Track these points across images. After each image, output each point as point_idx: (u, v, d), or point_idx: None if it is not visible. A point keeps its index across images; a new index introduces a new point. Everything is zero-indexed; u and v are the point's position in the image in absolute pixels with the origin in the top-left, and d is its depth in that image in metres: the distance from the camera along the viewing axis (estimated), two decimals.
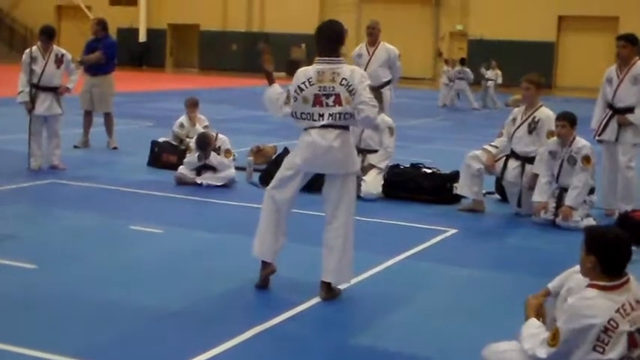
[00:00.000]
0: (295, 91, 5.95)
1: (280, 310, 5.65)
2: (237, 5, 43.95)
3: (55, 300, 5.78)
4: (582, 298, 3.88)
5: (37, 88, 10.92)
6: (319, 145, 5.94)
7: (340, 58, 6.02)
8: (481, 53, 33.69)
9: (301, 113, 5.97)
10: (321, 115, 5.90)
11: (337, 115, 5.90)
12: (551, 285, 4.45)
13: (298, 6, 41.71)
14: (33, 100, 10.87)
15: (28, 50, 11.10)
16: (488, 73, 27.17)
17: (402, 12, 39.99)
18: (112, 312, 5.57)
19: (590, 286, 3.92)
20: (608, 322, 3.76)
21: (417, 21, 40.43)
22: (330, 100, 5.88)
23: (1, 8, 48.57)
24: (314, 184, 10.13)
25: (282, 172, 6.22)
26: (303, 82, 5.93)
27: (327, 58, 5.97)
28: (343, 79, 5.87)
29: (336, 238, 6.03)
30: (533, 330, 4.09)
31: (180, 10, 44.87)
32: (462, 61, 27.36)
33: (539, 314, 4.32)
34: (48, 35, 11.16)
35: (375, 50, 12.08)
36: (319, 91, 5.88)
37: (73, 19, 46.14)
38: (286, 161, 6.29)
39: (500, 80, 27.26)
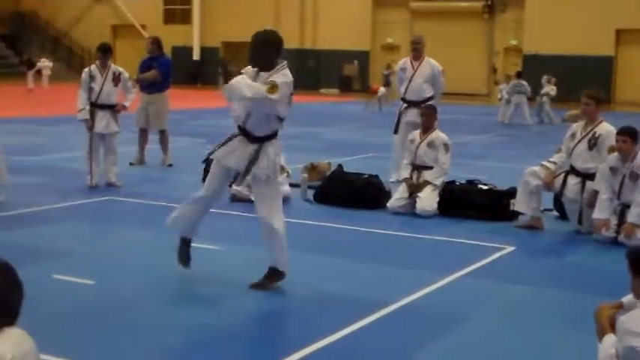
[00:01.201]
0: (290, 96, 6.41)
1: (336, 328, 5.59)
2: (289, 23, 44.13)
3: (112, 315, 5.79)
4: (630, 316, 3.82)
5: (95, 106, 11.04)
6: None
7: None
8: (536, 68, 33.30)
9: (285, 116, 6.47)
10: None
11: None
12: (626, 299, 4.35)
13: (350, 23, 41.76)
14: (93, 118, 11.01)
15: (87, 69, 11.25)
16: (545, 88, 26.81)
17: (455, 27, 39.81)
18: (169, 327, 5.57)
19: None
20: None
21: (471, 36, 40.20)
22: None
23: (60, 29, 49.53)
24: (360, 200, 10.12)
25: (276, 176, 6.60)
26: (290, 87, 6.40)
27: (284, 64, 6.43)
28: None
29: None
30: (612, 350, 3.97)
31: (233, 28, 45.18)
32: (519, 75, 27.01)
33: (612, 326, 4.20)
34: (104, 52, 11.30)
35: (419, 65, 12.13)
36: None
37: (128, 37, 46.85)
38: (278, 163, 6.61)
39: (553, 93, 26.84)
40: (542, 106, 26.59)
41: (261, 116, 6.34)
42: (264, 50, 6.40)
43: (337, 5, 42.31)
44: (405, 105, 12.26)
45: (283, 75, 6.32)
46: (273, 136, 6.47)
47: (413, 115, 11.99)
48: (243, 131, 6.48)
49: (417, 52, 12.26)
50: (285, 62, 6.42)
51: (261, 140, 6.42)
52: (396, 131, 12.29)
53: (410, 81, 12.13)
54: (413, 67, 12.17)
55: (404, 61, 12.49)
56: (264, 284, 6.48)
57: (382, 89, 31.00)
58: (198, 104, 28.91)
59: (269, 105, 6.23)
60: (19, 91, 33.99)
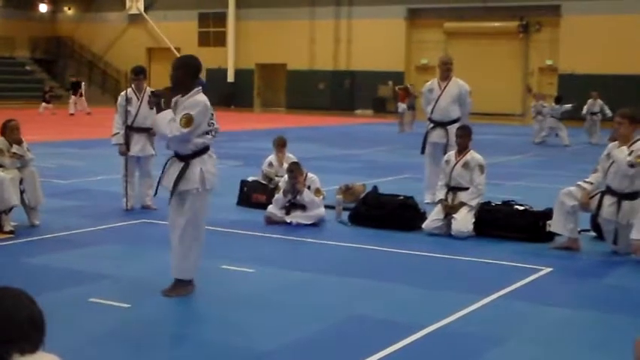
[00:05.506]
0: (210, 117, 6.87)
1: (371, 351, 5.56)
2: (324, 44, 44.37)
3: (149, 339, 5.81)
4: None
5: (131, 129, 11.11)
6: None
7: None
8: (572, 88, 33.06)
9: (209, 131, 6.83)
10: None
11: None
12: None
13: (384, 44, 41.86)
14: (127, 142, 11.07)
15: (123, 92, 11.30)
16: (595, 108, 26.12)
17: (489, 47, 39.75)
18: (203, 353, 5.56)
19: None
20: None
21: (505, 56, 40.09)
22: None
23: (95, 53, 50.12)
24: (395, 222, 10.07)
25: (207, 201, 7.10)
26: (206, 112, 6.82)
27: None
28: None
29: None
30: None
31: (267, 50, 45.52)
32: (557, 100, 25.93)
33: None
34: (136, 73, 11.34)
35: (446, 85, 12.13)
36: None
37: (164, 60, 47.23)
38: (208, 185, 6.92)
39: (597, 109, 26.19)
40: (596, 125, 25.95)
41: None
42: (183, 75, 6.84)
43: (372, 26, 42.43)
44: (431, 125, 12.30)
45: (196, 102, 6.73)
46: (200, 152, 6.82)
47: (438, 135, 12.06)
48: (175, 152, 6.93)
49: (446, 72, 12.27)
50: (200, 87, 6.85)
51: (188, 158, 6.81)
52: (422, 151, 12.38)
53: (436, 101, 12.14)
54: (440, 87, 12.19)
55: (431, 82, 12.55)
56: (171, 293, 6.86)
57: (403, 105, 30.30)
58: (233, 126, 29.04)
59: (186, 137, 6.69)
60: (59, 115, 34.36)
